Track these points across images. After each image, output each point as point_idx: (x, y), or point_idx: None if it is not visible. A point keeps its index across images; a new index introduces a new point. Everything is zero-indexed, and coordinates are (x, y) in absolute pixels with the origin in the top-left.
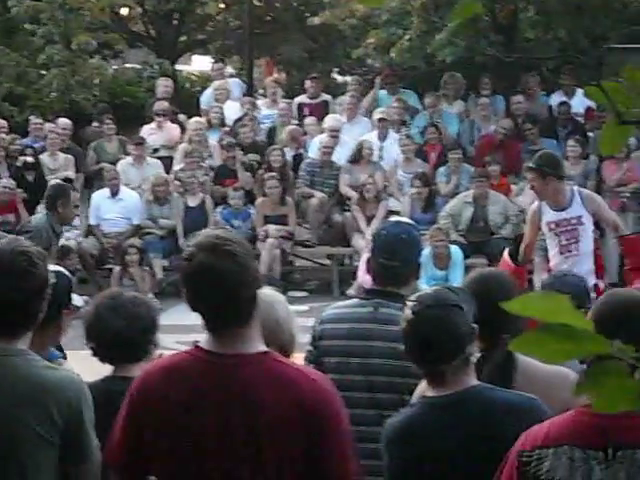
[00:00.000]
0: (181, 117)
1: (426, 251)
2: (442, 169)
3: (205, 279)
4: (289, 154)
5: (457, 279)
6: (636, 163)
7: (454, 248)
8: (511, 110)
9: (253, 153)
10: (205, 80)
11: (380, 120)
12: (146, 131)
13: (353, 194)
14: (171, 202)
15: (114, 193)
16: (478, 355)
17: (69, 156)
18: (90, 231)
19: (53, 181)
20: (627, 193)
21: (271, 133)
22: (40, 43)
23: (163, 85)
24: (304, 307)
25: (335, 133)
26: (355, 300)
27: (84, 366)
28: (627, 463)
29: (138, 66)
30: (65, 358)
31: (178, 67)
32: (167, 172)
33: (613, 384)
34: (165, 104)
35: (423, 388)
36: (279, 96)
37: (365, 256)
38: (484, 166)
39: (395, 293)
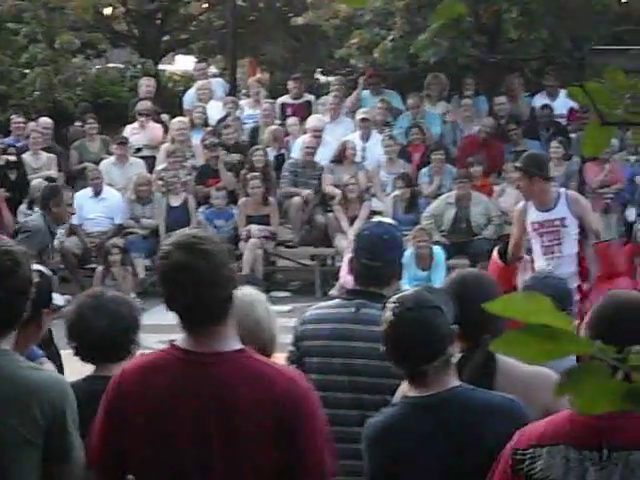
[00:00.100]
0: (164, 117)
1: (408, 252)
2: (425, 170)
3: (180, 278)
4: (271, 154)
5: (439, 280)
6: (618, 164)
7: (436, 249)
8: (494, 111)
9: (236, 153)
10: (188, 80)
11: (362, 120)
12: (129, 131)
13: (337, 192)
14: (154, 202)
15: (97, 193)
16: (459, 356)
17: (51, 155)
18: (73, 230)
19: (35, 180)
20: (610, 194)
21: (254, 133)
22: (23, 42)
23: (146, 85)
24: (286, 307)
25: (318, 133)
26: (337, 300)
27: (66, 365)
28: (622, 464)
29: (121, 66)
30: (50, 357)
31: (161, 67)
32: (150, 172)
33: (594, 385)
34: (148, 104)
35: (405, 388)
36: (262, 96)
37: (347, 256)
38: (467, 167)
39: (377, 293)
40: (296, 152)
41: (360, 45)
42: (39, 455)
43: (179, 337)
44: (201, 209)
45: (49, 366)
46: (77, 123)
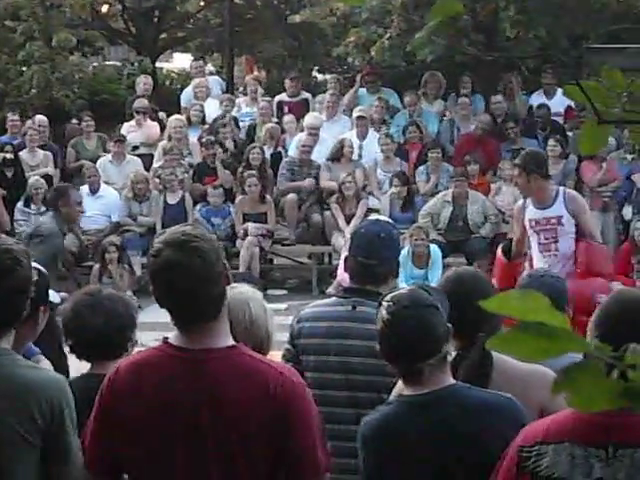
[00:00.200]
0: (161, 115)
1: (405, 250)
2: (421, 168)
3: (171, 275)
4: (268, 152)
5: (436, 278)
6: (615, 163)
7: (433, 247)
8: (491, 109)
9: (233, 151)
10: (185, 78)
11: (359, 118)
12: (126, 129)
13: (334, 184)
14: (150, 200)
15: (94, 190)
16: (454, 354)
17: (48, 153)
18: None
19: (33, 178)
20: (609, 193)
21: (251, 131)
22: (20, 40)
23: (144, 83)
24: (283, 305)
25: (314, 131)
26: (334, 299)
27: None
28: (627, 462)
29: (118, 63)
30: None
31: (158, 65)
32: (147, 170)
33: (591, 383)
34: (145, 102)
35: (401, 386)
36: (259, 94)
37: (344, 255)
38: (464, 165)
39: (374, 292)
40: (293, 150)
41: (357, 43)
42: (37, 455)
43: (172, 334)
44: (198, 207)
45: (45, 363)
46: (74, 121)
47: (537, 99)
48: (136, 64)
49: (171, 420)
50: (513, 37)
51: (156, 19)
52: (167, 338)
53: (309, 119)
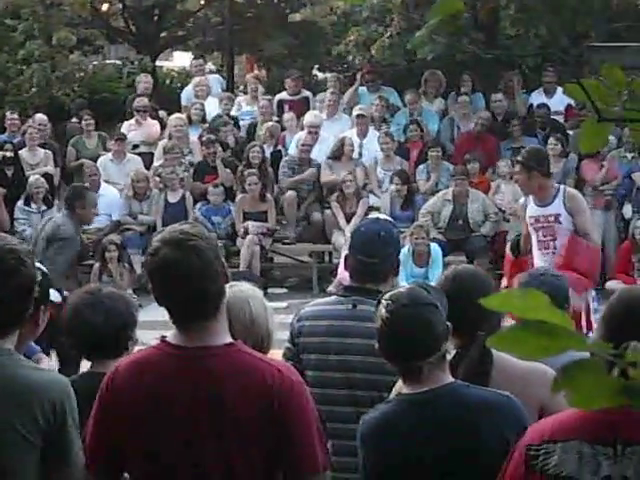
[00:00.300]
0: (161, 113)
1: (405, 248)
2: (422, 167)
3: (169, 274)
4: (268, 151)
5: (436, 276)
6: (615, 161)
7: (434, 246)
8: (491, 108)
9: (233, 148)
10: (185, 76)
11: (359, 117)
12: (126, 127)
13: (334, 177)
14: (151, 198)
15: (94, 189)
16: (454, 352)
17: (48, 151)
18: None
19: (33, 177)
20: (611, 191)
21: (251, 130)
22: (20, 39)
23: (144, 82)
24: (283, 304)
25: (314, 129)
26: (334, 297)
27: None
28: (636, 459)
29: (118, 62)
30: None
31: (158, 63)
32: (147, 168)
33: (591, 381)
34: (145, 100)
35: (400, 385)
36: (260, 93)
37: (345, 253)
38: (464, 164)
39: (374, 290)
40: (293, 149)
41: (357, 42)
42: (38, 456)
43: (170, 333)
44: (198, 205)
45: (46, 362)
46: (74, 119)
47: (537, 97)
48: (136, 63)
49: (170, 418)
50: (513, 35)
51: (156, 18)
52: (165, 337)
53: (309, 118)
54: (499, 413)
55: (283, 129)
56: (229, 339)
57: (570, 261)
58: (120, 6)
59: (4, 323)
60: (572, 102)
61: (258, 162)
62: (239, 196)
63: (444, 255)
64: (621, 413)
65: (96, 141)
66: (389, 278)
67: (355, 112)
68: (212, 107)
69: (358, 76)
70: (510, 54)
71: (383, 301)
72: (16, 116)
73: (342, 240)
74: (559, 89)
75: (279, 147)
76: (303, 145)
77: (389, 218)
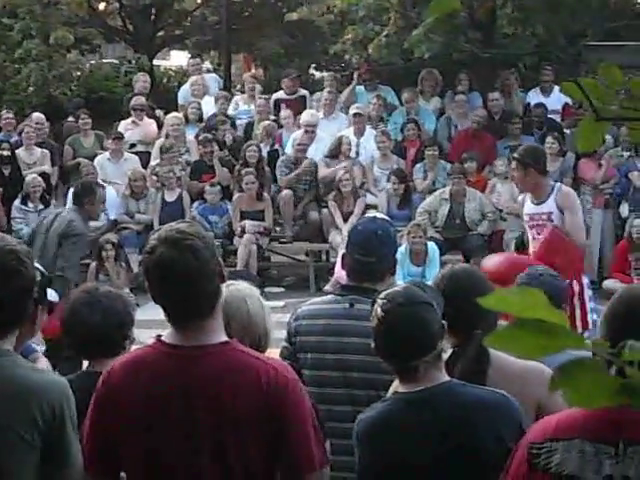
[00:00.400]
0: (158, 112)
1: (403, 247)
2: (419, 165)
3: (165, 273)
4: (265, 150)
5: (433, 275)
6: (612, 160)
7: (431, 244)
8: (488, 107)
9: (230, 149)
10: (183, 75)
11: (355, 115)
12: (123, 126)
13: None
14: (148, 197)
15: None
16: (450, 351)
17: (45, 150)
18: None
19: (30, 176)
20: (609, 190)
21: (248, 129)
22: (17, 38)
23: (142, 81)
24: (280, 303)
25: (311, 128)
26: (331, 296)
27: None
28: (638, 459)
29: (115, 61)
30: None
31: (156, 62)
32: (144, 168)
33: (588, 379)
34: (142, 99)
35: (396, 384)
36: (257, 92)
37: (342, 252)
38: (461, 162)
39: (371, 289)
40: (289, 148)
41: (354, 41)
42: (37, 457)
43: (166, 332)
44: (195, 204)
45: (43, 361)
46: (71, 118)
47: (534, 96)
48: (133, 62)
49: (165, 417)
50: (510, 34)
51: (153, 17)
52: (160, 336)
53: (305, 117)
54: (495, 412)
55: (280, 127)
56: (224, 338)
57: (544, 253)
58: (117, 5)
59: (4, 323)
60: (569, 101)
61: (255, 161)
62: (236, 195)
63: (441, 254)
64: (624, 412)
65: (93, 140)
66: (386, 277)
67: (352, 111)
68: (209, 106)
69: (355, 75)
70: (507, 53)
71: (379, 300)
72: (11, 115)
73: (339, 239)
74: (556, 88)
75: (276, 146)
76: (299, 144)
77: (386, 217)
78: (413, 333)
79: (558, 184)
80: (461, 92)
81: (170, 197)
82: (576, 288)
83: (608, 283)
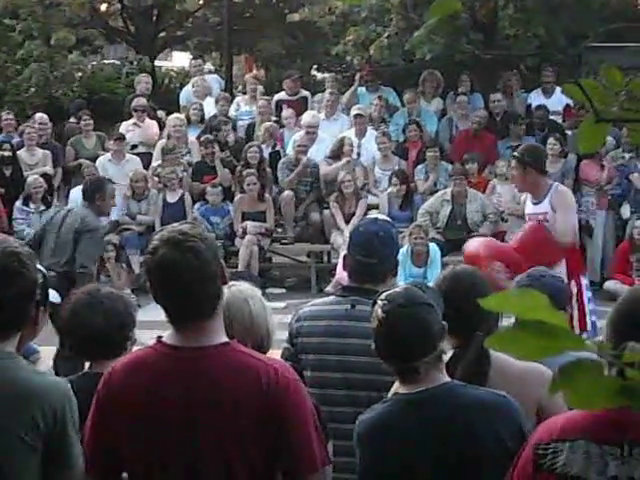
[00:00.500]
0: (160, 113)
1: (404, 248)
2: (420, 167)
3: (167, 274)
4: (266, 151)
5: (435, 276)
6: (613, 162)
7: (432, 246)
8: (490, 108)
9: (231, 150)
10: (184, 76)
11: (357, 116)
12: (124, 127)
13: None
14: (149, 198)
15: None
16: (451, 352)
17: (46, 151)
18: None
19: (31, 177)
20: (611, 191)
21: (250, 130)
22: (19, 38)
23: (144, 82)
24: (282, 304)
25: (312, 129)
26: (332, 297)
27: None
28: None
29: (117, 62)
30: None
31: (157, 63)
32: (145, 169)
33: (589, 381)
34: (143, 100)
35: (397, 385)
36: (258, 93)
37: (343, 253)
38: (462, 164)
39: (373, 290)
40: (290, 149)
41: (356, 42)
42: (39, 459)
43: (166, 333)
44: (197, 205)
45: (44, 362)
46: (72, 119)
47: (536, 97)
48: (135, 63)
49: (166, 418)
50: (512, 35)
51: (155, 18)
52: (161, 337)
53: (307, 118)
54: (495, 413)
55: (282, 127)
56: (225, 338)
57: (522, 244)
58: (119, 6)
59: (6, 326)
60: (570, 102)
61: (256, 162)
62: (238, 196)
63: (443, 255)
64: (630, 414)
65: (95, 141)
66: (388, 278)
67: (353, 112)
68: (211, 107)
69: (357, 76)
70: (509, 54)
71: (379, 301)
72: (12, 116)
73: (340, 240)
74: (557, 89)
75: (278, 147)
76: (299, 146)
77: (388, 218)
78: (413, 334)
79: (555, 184)
80: (463, 93)
81: (172, 198)
82: (574, 289)
83: (609, 284)
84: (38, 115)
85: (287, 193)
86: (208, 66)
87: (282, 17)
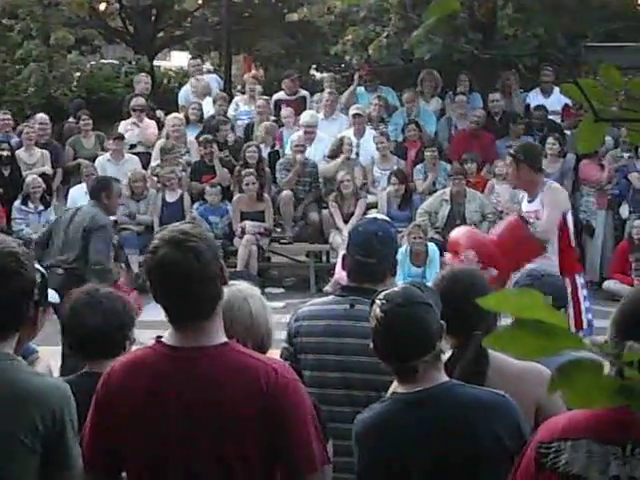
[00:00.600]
0: (159, 113)
1: (403, 248)
2: (419, 166)
3: (167, 273)
4: (265, 151)
5: (434, 276)
6: (613, 162)
7: (431, 245)
8: (488, 108)
9: (230, 149)
10: (183, 76)
11: (355, 116)
12: (123, 127)
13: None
14: (148, 198)
15: None
16: (450, 352)
17: (45, 151)
18: None
19: (30, 177)
20: (612, 190)
21: (249, 130)
22: (18, 38)
23: (144, 82)
24: (281, 304)
25: (310, 129)
26: (331, 297)
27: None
28: None
29: (116, 62)
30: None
31: (156, 63)
32: (144, 168)
33: (587, 380)
34: (142, 100)
35: (395, 384)
36: (257, 93)
37: (342, 253)
38: (461, 163)
39: (371, 290)
40: (289, 149)
41: (355, 41)
42: (38, 461)
43: (166, 333)
44: (195, 205)
45: (43, 363)
46: (71, 119)
47: (534, 97)
48: (134, 63)
49: (166, 418)
50: (511, 35)
51: (154, 17)
52: (160, 337)
53: (305, 117)
54: (494, 412)
55: (281, 126)
56: (224, 339)
57: (501, 241)
58: (117, 6)
59: (4, 326)
60: (569, 102)
61: (255, 162)
62: (236, 196)
63: (441, 255)
64: (632, 413)
65: (94, 141)
66: (386, 278)
67: (352, 111)
68: (210, 107)
69: (356, 76)
70: (507, 54)
71: (377, 300)
72: (9, 116)
73: (339, 240)
74: (556, 89)
75: (277, 147)
76: (296, 146)
77: (387, 218)
78: (412, 333)
79: (549, 182)
80: (461, 93)
81: (171, 198)
82: (568, 288)
83: (608, 284)
84: (39, 115)
85: (286, 193)
86: (207, 66)
87: (281, 17)
